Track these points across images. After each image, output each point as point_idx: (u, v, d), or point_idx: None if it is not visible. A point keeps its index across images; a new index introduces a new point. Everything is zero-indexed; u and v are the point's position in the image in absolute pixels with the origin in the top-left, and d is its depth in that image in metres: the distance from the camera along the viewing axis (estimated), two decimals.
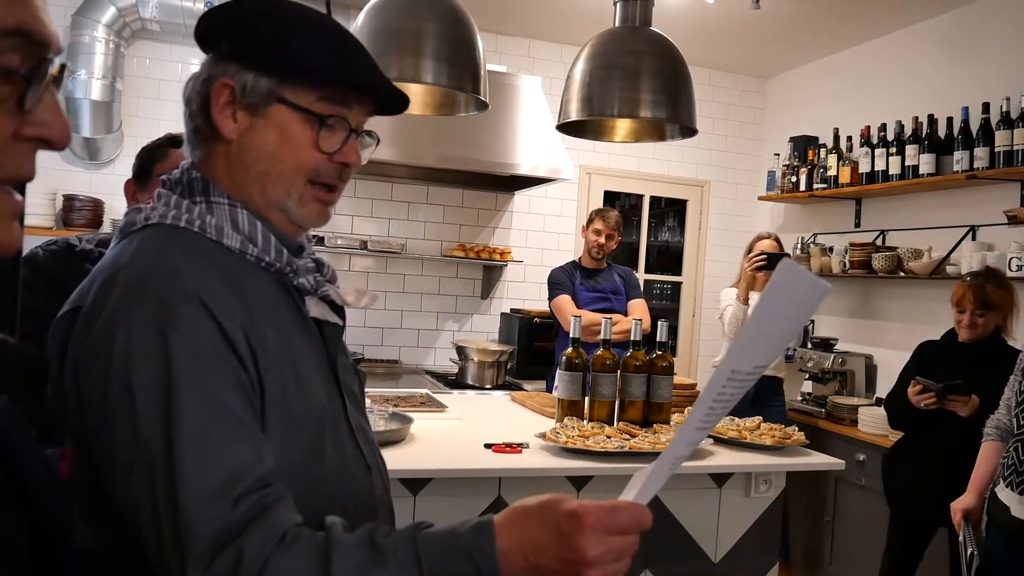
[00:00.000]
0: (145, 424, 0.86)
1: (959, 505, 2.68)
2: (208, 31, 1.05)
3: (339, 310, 1.13)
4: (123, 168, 4.35)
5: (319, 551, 0.84)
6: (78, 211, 4.16)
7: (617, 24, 2.69)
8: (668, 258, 5.91)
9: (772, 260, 4.03)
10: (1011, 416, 2.54)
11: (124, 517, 0.87)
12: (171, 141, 1.87)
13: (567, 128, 2.80)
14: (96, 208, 4.21)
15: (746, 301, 4.08)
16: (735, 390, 0.81)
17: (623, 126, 2.90)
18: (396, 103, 1.12)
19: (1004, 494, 2.41)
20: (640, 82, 2.54)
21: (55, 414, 0.95)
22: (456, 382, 4.30)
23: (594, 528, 0.84)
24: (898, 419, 3.34)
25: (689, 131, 2.71)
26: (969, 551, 2.54)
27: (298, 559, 0.83)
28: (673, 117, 2.60)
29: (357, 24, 2.39)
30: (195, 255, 0.97)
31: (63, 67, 0.63)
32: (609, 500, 0.87)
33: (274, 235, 1.04)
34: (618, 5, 2.69)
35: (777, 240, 4.22)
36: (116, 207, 4.30)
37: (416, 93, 2.55)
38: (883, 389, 4.31)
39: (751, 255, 4.11)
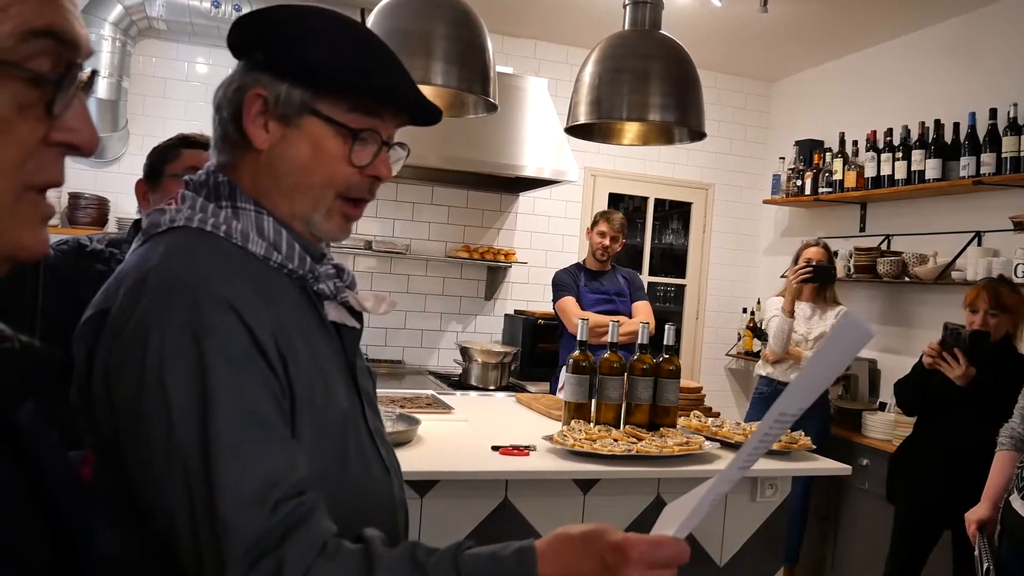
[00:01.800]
0: (180, 430, 0.86)
1: (974, 516, 2.64)
2: (241, 39, 1.04)
3: (357, 314, 1.13)
4: (129, 166, 4.36)
5: (361, 565, 0.84)
6: (83, 209, 4.16)
7: (626, 27, 2.69)
8: (672, 260, 5.91)
9: (817, 272, 3.93)
10: None
11: (157, 523, 0.87)
12: (183, 141, 1.86)
13: (575, 131, 2.80)
14: (101, 206, 4.21)
15: (791, 314, 3.97)
16: (779, 431, 0.83)
17: (631, 129, 2.90)
18: (429, 115, 1.11)
19: (1019, 504, 2.39)
20: (649, 85, 2.54)
21: (75, 417, 0.94)
22: (460, 383, 4.30)
23: (639, 562, 0.84)
24: (908, 400, 3.35)
25: (697, 135, 2.71)
26: (985, 566, 2.49)
27: (340, 571, 0.83)
28: (681, 121, 2.60)
29: (368, 25, 2.39)
30: (222, 260, 0.96)
31: (94, 73, 0.63)
32: (651, 534, 0.88)
33: (298, 243, 1.04)
34: (627, 8, 2.69)
35: (826, 247, 4.09)
36: (122, 205, 4.30)
37: (425, 94, 2.55)
38: (887, 394, 4.32)
39: (796, 267, 4.00)
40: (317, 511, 0.87)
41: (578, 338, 2.68)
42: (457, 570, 0.84)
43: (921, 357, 3.28)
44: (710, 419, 2.81)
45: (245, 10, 4.11)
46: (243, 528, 0.82)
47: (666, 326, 2.70)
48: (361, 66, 1.01)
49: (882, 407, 4.32)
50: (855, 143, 4.62)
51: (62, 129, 0.58)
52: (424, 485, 2.17)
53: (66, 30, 0.57)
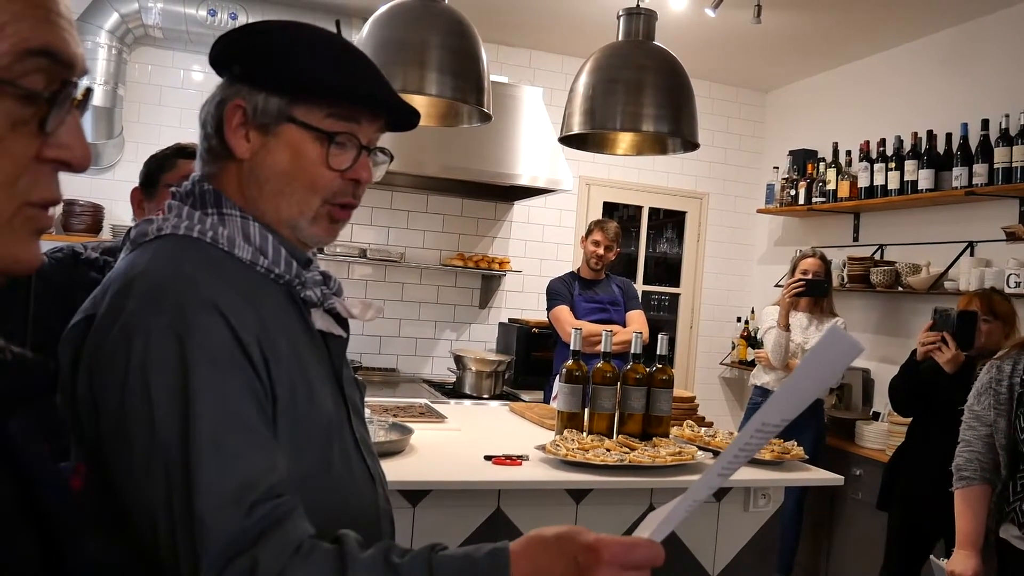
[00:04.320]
0: (162, 431, 0.87)
1: (969, 571, 2.36)
2: (220, 55, 1.06)
3: (344, 323, 1.14)
4: (123, 173, 4.36)
5: (335, 566, 0.85)
6: (78, 216, 4.15)
7: (620, 38, 2.70)
8: (666, 269, 5.93)
9: (810, 286, 3.92)
10: (1002, 453, 2.34)
11: (137, 524, 0.88)
12: (179, 151, 1.87)
13: (569, 140, 2.81)
14: (96, 213, 4.21)
15: (786, 327, 3.96)
16: (760, 441, 0.83)
17: (625, 139, 2.91)
18: (407, 118, 1.13)
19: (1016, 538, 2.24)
20: (643, 96, 2.55)
21: (64, 425, 0.95)
22: (454, 391, 4.30)
23: (611, 563, 0.85)
24: (899, 395, 3.34)
25: (691, 145, 2.72)
26: None
27: (313, 571, 0.84)
28: (675, 131, 2.61)
29: (362, 35, 2.40)
30: (208, 265, 0.98)
31: (88, 91, 0.64)
32: (625, 536, 0.88)
33: (284, 248, 1.05)
34: (622, 19, 2.70)
35: (822, 257, 4.07)
36: (116, 212, 4.30)
37: (420, 104, 2.56)
38: (880, 404, 4.33)
39: (790, 280, 4.00)
40: (294, 513, 0.88)
41: (572, 348, 2.69)
42: (430, 571, 0.85)
43: (911, 355, 3.29)
44: (703, 429, 2.81)
45: (241, 18, 4.13)
46: (219, 527, 0.83)
47: (659, 336, 2.70)
48: (334, 71, 1.04)
49: (876, 417, 4.33)
50: (848, 153, 4.64)
51: (55, 146, 0.59)
52: (416, 495, 2.17)
53: (62, 50, 0.58)
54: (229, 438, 0.88)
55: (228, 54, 1.06)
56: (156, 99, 4.53)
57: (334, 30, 1.12)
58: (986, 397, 2.39)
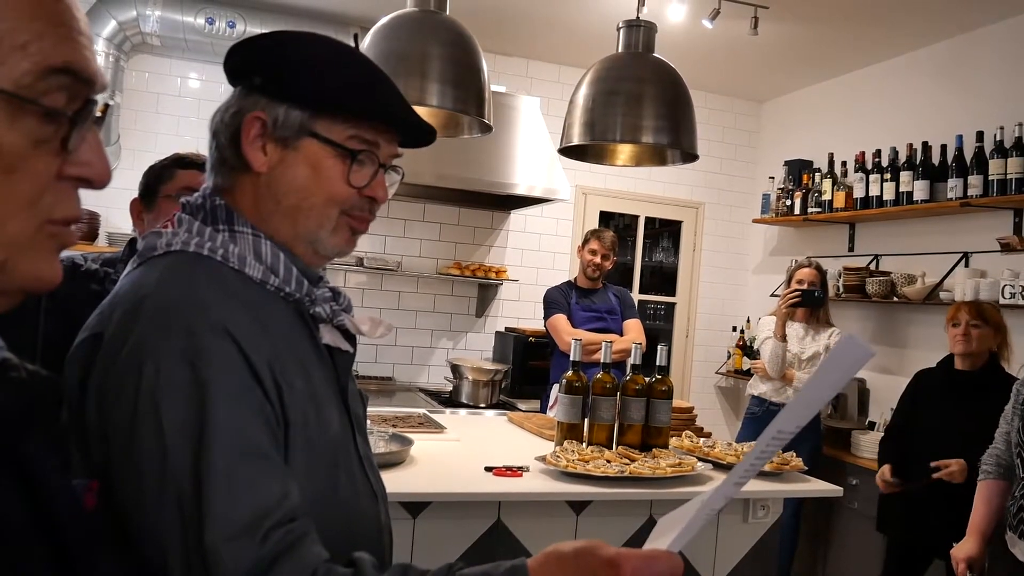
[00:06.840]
0: (174, 459, 0.85)
1: (961, 554, 2.47)
2: (239, 64, 1.04)
3: (351, 338, 1.13)
4: (120, 181, 4.29)
5: None
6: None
7: (620, 49, 2.71)
8: (662, 278, 5.94)
9: (806, 297, 3.95)
10: (1013, 456, 2.39)
11: (146, 552, 0.86)
12: (177, 161, 1.86)
13: (569, 151, 2.82)
14: (92, 221, 4.20)
15: (783, 338, 3.99)
16: (776, 448, 0.84)
17: (625, 151, 2.92)
18: (424, 137, 1.13)
19: (1019, 549, 2.23)
20: (643, 108, 2.56)
21: (66, 440, 0.94)
22: (450, 400, 4.29)
23: None
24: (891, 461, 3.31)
25: (690, 156, 2.73)
26: None
27: None
28: (674, 143, 2.62)
29: (364, 46, 2.40)
30: (220, 286, 0.96)
31: (107, 106, 0.64)
32: (644, 549, 0.87)
33: (296, 266, 1.04)
34: (621, 31, 2.72)
35: (818, 268, 4.09)
36: (112, 220, 4.29)
37: (420, 115, 2.56)
38: (876, 413, 4.34)
39: (787, 290, 4.01)
40: (307, 538, 0.87)
41: (571, 358, 2.69)
42: None
43: (902, 413, 3.33)
44: (702, 439, 2.81)
45: (239, 27, 4.12)
46: (234, 558, 0.82)
47: (659, 347, 2.70)
48: (358, 89, 1.03)
49: (871, 426, 4.34)
50: (844, 164, 4.66)
51: (76, 163, 0.59)
52: (417, 506, 2.16)
53: (83, 67, 0.58)
54: (242, 467, 0.86)
55: (248, 64, 1.04)
56: (153, 107, 4.52)
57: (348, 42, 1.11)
58: (1014, 398, 2.45)
